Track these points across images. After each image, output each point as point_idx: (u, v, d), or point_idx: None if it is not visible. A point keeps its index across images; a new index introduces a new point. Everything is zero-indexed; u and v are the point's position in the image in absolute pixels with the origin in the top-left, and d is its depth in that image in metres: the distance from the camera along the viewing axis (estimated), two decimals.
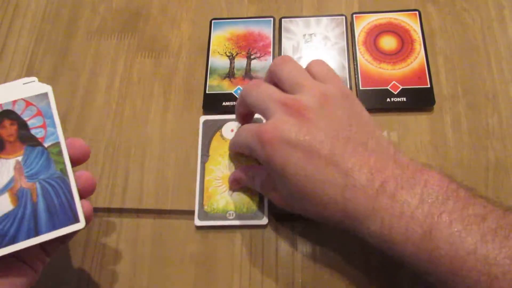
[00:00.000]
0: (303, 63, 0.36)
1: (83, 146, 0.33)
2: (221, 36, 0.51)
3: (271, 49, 0.49)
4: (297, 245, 0.40)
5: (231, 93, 0.47)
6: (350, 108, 0.32)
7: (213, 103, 0.47)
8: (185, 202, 0.43)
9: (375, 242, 0.29)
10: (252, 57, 0.49)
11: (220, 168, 0.43)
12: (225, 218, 0.41)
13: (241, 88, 0.43)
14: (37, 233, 0.30)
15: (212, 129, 0.45)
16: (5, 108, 0.33)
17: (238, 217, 0.41)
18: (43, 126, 0.33)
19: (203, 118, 0.46)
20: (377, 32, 0.49)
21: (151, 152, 0.46)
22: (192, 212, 0.42)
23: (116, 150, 0.47)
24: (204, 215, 0.41)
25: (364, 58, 0.48)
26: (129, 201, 0.44)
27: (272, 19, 0.51)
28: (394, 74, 0.46)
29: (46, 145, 0.32)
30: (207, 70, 0.49)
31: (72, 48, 0.53)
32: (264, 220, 0.41)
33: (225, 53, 0.50)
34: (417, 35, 0.48)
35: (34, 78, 0.35)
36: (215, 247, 0.41)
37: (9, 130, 0.32)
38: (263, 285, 0.39)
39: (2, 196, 0.31)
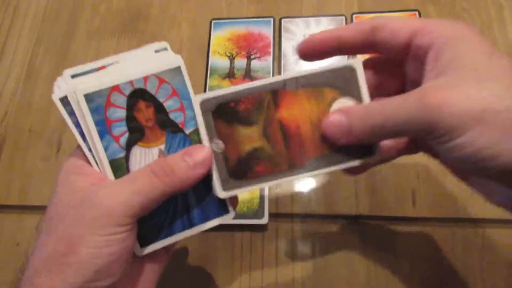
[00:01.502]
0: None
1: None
2: (221, 36, 0.51)
3: (271, 49, 0.49)
4: (297, 245, 0.40)
5: None
6: None
7: None
8: None
9: None
10: (252, 57, 0.49)
11: None
12: None
13: None
14: (191, 225, 0.28)
15: None
16: (136, 86, 0.27)
17: (239, 216, 0.41)
18: (182, 109, 0.28)
19: None
20: None
21: None
22: None
23: None
24: None
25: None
26: None
27: (272, 19, 0.51)
28: None
29: (187, 131, 0.28)
30: (207, 70, 0.49)
31: (72, 48, 0.53)
32: (264, 220, 0.40)
33: (225, 53, 0.50)
34: None
35: (166, 44, 0.28)
36: (215, 247, 0.41)
37: (146, 113, 0.27)
38: (263, 285, 0.39)
39: None
